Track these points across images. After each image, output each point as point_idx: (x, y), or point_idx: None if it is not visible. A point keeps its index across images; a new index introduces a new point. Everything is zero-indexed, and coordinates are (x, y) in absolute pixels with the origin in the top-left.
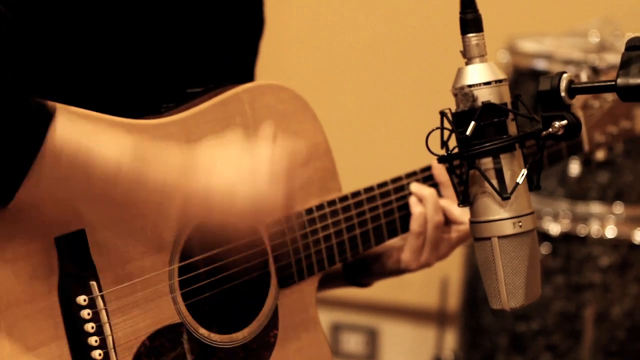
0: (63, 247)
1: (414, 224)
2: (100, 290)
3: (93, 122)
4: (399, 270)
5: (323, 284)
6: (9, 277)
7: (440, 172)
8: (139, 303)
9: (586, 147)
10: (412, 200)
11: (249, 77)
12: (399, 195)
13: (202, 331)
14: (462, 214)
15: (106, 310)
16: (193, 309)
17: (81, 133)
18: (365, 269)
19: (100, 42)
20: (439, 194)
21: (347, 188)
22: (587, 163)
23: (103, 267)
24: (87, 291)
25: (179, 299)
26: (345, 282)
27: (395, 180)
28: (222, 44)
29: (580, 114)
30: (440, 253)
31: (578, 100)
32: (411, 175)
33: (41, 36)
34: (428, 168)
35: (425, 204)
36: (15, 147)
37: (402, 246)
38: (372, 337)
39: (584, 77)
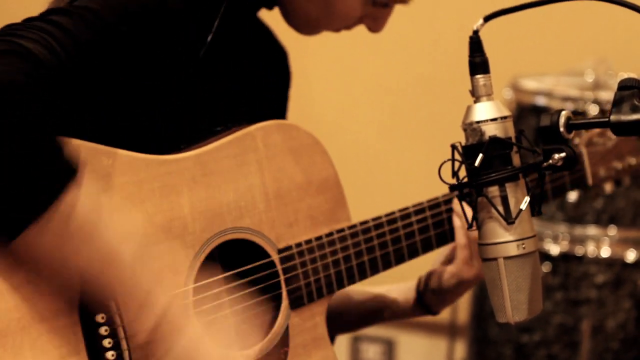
0: None
1: (459, 237)
2: (118, 308)
3: (109, 190)
4: (458, 284)
5: (403, 316)
6: (34, 295)
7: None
8: None
9: (589, 181)
10: (453, 216)
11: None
12: (406, 223)
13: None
14: None
15: (123, 327)
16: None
17: (94, 205)
18: (433, 293)
19: (136, 87)
20: None
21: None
22: (595, 193)
23: None
24: (106, 310)
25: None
26: (422, 311)
27: (402, 210)
28: (256, 97)
29: (584, 150)
30: None
31: (583, 138)
32: (417, 205)
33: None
34: (435, 199)
35: (461, 218)
36: (32, 193)
37: (444, 269)
38: (389, 347)
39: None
